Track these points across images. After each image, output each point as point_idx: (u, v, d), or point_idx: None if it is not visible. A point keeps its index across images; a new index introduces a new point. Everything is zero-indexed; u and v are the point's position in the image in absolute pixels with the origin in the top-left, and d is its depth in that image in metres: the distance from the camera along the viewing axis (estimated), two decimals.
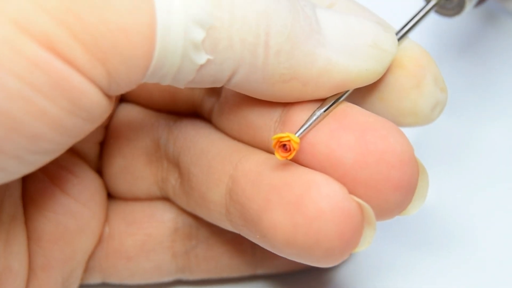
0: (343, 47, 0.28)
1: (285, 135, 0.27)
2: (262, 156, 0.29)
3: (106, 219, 0.34)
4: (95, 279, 0.35)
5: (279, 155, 0.27)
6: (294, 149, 0.27)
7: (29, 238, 0.32)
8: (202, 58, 0.26)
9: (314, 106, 0.29)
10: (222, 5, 0.26)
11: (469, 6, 0.35)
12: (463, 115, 0.42)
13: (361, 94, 0.30)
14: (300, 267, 0.36)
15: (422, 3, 0.34)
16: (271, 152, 0.28)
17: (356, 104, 0.29)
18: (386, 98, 0.30)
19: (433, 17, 0.35)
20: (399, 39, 0.30)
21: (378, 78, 0.29)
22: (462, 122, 0.42)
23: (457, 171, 0.39)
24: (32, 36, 0.24)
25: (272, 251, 0.29)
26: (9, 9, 0.24)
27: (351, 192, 0.27)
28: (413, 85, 0.30)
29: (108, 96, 0.26)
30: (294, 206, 0.27)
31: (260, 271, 0.36)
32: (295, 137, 0.27)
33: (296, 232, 0.27)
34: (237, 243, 0.35)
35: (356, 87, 0.29)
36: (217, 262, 0.35)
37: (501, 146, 0.41)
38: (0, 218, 0.31)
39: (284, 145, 0.27)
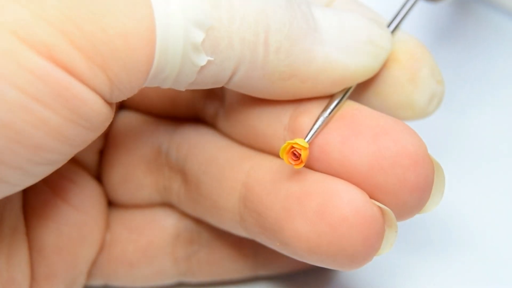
0: (340, 44, 0.28)
1: (289, 143, 0.27)
2: (274, 163, 0.29)
3: (107, 227, 0.34)
4: (96, 283, 0.35)
5: (294, 164, 0.27)
6: (304, 152, 0.27)
7: (31, 248, 0.31)
8: (202, 59, 0.26)
9: (320, 109, 0.29)
10: (221, 5, 0.26)
11: None
12: (459, 108, 0.42)
13: (357, 90, 0.31)
14: (302, 268, 0.36)
15: None
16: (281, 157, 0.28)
17: (352, 99, 0.29)
18: (381, 92, 0.30)
19: (423, 8, 0.35)
20: (392, 31, 0.30)
21: (374, 74, 0.29)
22: (458, 115, 0.42)
23: (455, 166, 0.39)
24: (32, 46, 0.24)
25: (292, 257, 0.29)
26: (8, 20, 0.24)
27: (369, 196, 0.27)
28: (408, 78, 0.30)
29: (109, 103, 0.26)
30: (316, 214, 0.27)
31: (261, 272, 0.36)
32: (300, 141, 0.27)
33: (320, 240, 0.27)
34: (239, 246, 0.35)
35: (353, 84, 0.29)
36: (219, 265, 0.35)
37: (498, 139, 0.41)
38: (2, 230, 0.30)
39: (294, 153, 0.27)
